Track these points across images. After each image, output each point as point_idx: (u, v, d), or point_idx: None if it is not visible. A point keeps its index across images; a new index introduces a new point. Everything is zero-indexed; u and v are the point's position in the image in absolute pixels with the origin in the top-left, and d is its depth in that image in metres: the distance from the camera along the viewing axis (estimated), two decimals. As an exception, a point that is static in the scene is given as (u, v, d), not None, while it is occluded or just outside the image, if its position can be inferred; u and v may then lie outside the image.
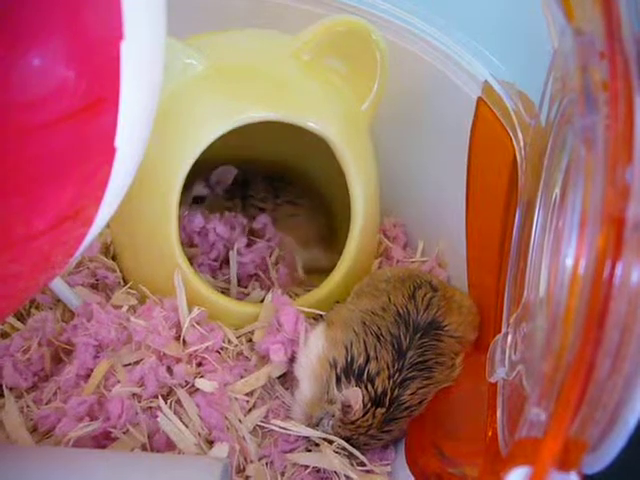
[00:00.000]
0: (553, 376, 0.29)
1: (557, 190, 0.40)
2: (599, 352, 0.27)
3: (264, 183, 0.75)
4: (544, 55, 0.43)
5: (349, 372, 0.50)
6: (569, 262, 0.29)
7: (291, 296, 0.62)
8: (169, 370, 0.54)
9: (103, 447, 0.51)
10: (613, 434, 0.29)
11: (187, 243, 0.69)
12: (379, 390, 0.49)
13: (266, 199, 0.74)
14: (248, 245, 0.69)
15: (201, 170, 0.67)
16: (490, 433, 0.43)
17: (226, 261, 0.69)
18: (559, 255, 0.33)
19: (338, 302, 0.61)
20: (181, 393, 0.53)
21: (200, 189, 0.71)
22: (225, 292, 0.66)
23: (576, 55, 0.33)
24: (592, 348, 0.27)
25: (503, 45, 0.57)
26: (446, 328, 0.53)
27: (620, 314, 0.27)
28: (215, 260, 0.69)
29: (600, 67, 0.31)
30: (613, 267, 0.27)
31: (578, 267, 0.28)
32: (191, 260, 0.66)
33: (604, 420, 0.29)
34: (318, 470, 0.52)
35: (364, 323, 0.52)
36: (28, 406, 0.54)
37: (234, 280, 0.67)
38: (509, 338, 0.43)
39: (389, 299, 0.54)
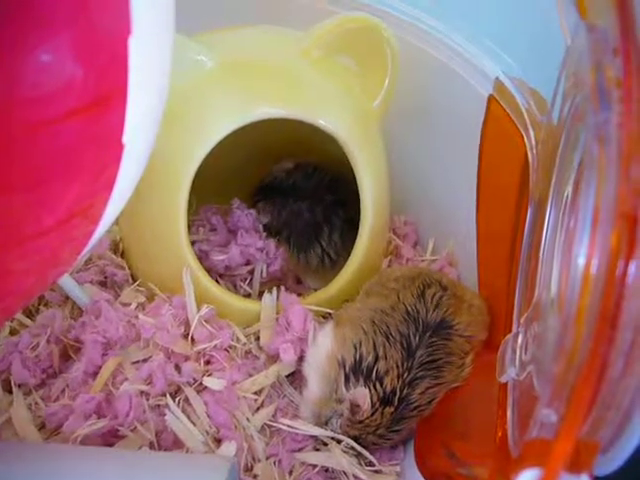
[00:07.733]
0: (564, 376, 0.28)
1: (569, 188, 0.39)
2: (612, 352, 0.27)
3: None
4: (556, 52, 0.42)
5: (358, 371, 0.50)
6: (581, 261, 0.29)
7: (299, 294, 0.62)
8: (177, 368, 0.54)
9: (111, 445, 0.51)
10: (625, 435, 0.29)
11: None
12: (388, 389, 0.49)
13: None
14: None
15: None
16: (500, 434, 0.42)
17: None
18: (571, 254, 0.33)
19: (347, 301, 0.60)
20: (189, 391, 0.53)
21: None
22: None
23: (590, 51, 0.33)
24: (605, 348, 0.27)
25: (514, 42, 0.57)
26: (456, 327, 0.53)
27: (633, 314, 0.27)
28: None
29: (614, 64, 0.31)
30: (626, 266, 0.27)
31: (590, 266, 0.28)
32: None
33: (616, 421, 0.28)
34: (326, 469, 0.52)
35: (373, 322, 0.52)
36: (36, 403, 0.54)
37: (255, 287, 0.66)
38: (520, 338, 0.42)
39: (398, 298, 0.54)
